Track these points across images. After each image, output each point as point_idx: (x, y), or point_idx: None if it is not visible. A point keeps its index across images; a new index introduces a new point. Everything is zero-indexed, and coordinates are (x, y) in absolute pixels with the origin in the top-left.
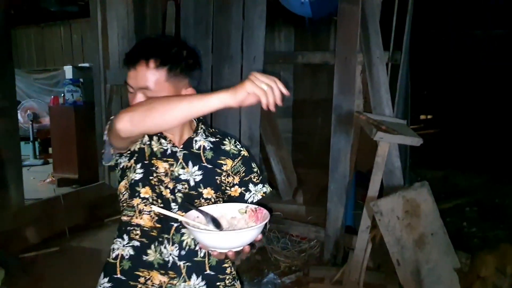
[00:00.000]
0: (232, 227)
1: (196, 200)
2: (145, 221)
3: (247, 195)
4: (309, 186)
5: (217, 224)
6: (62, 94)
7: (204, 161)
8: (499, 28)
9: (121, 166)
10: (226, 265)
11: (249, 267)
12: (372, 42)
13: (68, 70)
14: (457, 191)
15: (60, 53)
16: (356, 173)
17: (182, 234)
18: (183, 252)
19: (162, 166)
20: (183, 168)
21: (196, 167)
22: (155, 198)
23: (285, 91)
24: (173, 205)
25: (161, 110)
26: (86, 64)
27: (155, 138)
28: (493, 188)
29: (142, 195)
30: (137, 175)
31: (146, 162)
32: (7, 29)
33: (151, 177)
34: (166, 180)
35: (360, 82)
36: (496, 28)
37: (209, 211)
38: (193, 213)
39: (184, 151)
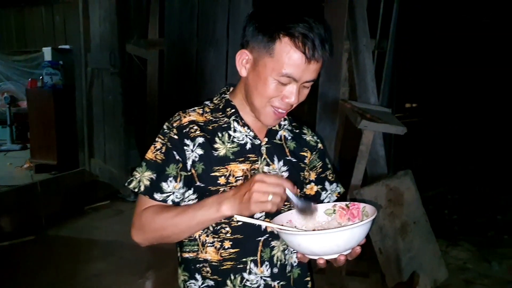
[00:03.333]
0: None
1: (285, 203)
2: (211, 254)
3: (323, 195)
4: None
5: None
6: (41, 77)
7: (288, 154)
8: (487, 17)
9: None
10: (307, 278)
11: None
12: (359, 30)
13: (47, 52)
14: (439, 179)
15: (41, 35)
16: (341, 161)
17: (272, 248)
18: (275, 270)
19: (239, 169)
20: (268, 165)
21: (281, 162)
22: (223, 219)
23: (293, 192)
24: (258, 214)
25: (174, 233)
26: (67, 46)
27: (225, 135)
28: (474, 176)
29: None
30: (191, 201)
31: (199, 183)
32: None
33: (210, 194)
34: None
35: (346, 70)
36: (484, 17)
37: (290, 218)
38: (282, 217)
39: (267, 145)
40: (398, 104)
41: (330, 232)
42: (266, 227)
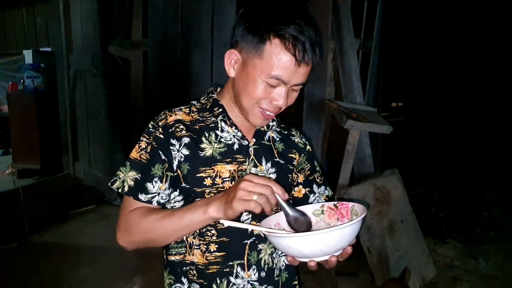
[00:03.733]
0: None
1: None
2: (197, 257)
3: (311, 198)
4: None
5: (298, 221)
6: (22, 80)
7: (276, 155)
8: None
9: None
10: (295, 282)
11: None
12: (343, 29)
13: (27, 55)
14: (427, 177)
15: (22, 37)
16: (328, 160)
17: (260, 252)
18: (263, 274)
19: (226, 170)
20: (255, 166)
21: (269, 164)
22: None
23: (282, 195)
24: (244, 215)
25: (160, 237)
26: (48, 49)
27: (212, 135)
28: (460, 174)
29: None
30: (176, 203)
31: (184, 185)
32: None
33: (196, 196)
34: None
35: (332, 70)
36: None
37: (278, 220)
38: (270, 219)
39: (255, 146)
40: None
41: (320, 233)
42: (252, 230)
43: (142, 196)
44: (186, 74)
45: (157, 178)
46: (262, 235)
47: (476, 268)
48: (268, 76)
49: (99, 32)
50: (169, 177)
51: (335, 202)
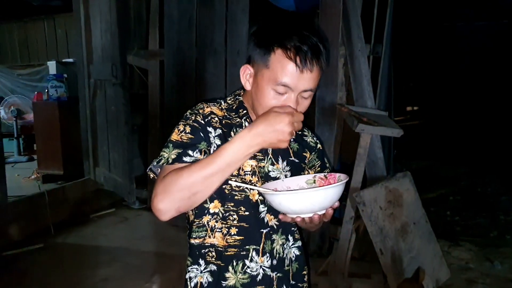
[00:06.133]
0: None
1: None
2: (218, 240)
3: None
4: None
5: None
6: (46, 90)
7: (291, 154)
8: (481, 20)
9: None
10: (304, 272)
11: None
12: (353, 35)
13: (51, 66)
14: (441, 180)
15: (44, 48)
16: (341, 164)
17: (273, 241)
18: (274, 262)
19: (248, 164)
20: (272, 164)
21: (285, 163)
22: (233, 207)
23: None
24: (261, 207)
25: (201, 185)
26: (70, 59)
27: (238, 131)
28: (475, 177)
29: (211, 211)
30: None
31: None
32: None
33: (224, 185)
34: (254, 179)
35: (343, 75)
36: (478, 20)
37: (275, 186)
38: (269, 185)
39: None
40: (398, 107)
41: (307, 191)
42: (267, 220)
43: (186, 158)
44: (201, 82)
45: (197, 150)
46: (275, 226)
47: (491, 271)
48: (275, 84)
49: (118, 43)
50: (206, 154)
51: (325, 174)
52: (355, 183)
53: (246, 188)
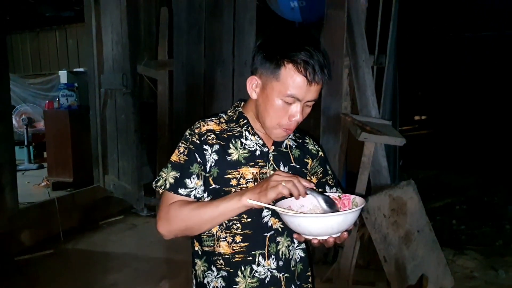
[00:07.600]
0: None
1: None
2: (224, 248)
3: None
4: None
5: (330, 204)
6: (57, 99)
7: (292, 160)
8: (488, 30)
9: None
10: (308, 273)
11: None
12: (357, 46)
13: (63, 75)
14: (448, 189)
15: (55, 58)
16: (347, 173)
17: (278, 243)
18: (281, 263)
19: (249, 172)
20: (274, 170)
21: (287, 168)
22: (235, 216)
23: (308, 185)
24: (264, 212)
25: (197, 224)
26: (81, 69)
27: (238, 142)
28: (482, 187)
29: None
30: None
31: (214, 186)
32: (2, 35)
33: (224, 194)
34: None
35: (347, 85)
36: (485, 30)
37: (289, 204)
38: (283, 203)
39: (274, 152)
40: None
41: (327, 216)
42: (271, 224)
43: (181, 190)
44: (209, 91)
45: (194, 175)
46: (280, 229)
47: (496, 280)
48: (284, 95)
49: (128, 53)
50: (203, 176)
51: (339, 194)
52: (359, 191)
53: (265, 208)
